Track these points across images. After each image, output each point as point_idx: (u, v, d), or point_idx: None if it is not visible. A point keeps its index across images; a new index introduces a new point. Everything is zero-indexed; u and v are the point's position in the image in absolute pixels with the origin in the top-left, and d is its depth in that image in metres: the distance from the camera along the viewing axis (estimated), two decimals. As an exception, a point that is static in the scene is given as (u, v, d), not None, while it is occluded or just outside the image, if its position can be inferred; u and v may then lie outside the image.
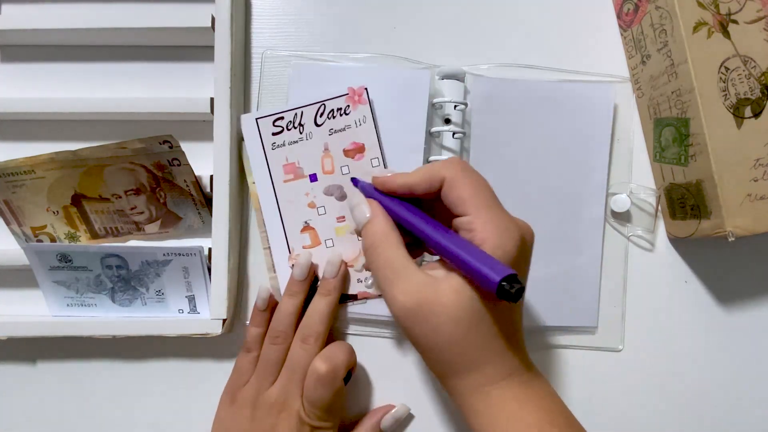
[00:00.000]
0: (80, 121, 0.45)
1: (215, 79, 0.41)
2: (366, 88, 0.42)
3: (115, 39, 0.45)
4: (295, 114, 0.42)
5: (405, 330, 0.32)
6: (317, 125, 0.42)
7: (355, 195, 0.38)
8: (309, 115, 0.42)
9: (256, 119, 0.43)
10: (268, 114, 0.42)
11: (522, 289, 0.28)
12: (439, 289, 0.30)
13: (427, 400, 0.44)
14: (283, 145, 0.42)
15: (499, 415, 0.31)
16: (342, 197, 0.43)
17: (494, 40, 0.46)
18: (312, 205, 0.43)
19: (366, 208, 0.35)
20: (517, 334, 0.33)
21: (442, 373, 0.32)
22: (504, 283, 0.27)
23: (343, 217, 0.43)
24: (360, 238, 0.37)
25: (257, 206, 0.43)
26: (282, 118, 0.42)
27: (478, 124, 0.44)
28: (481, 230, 0.31)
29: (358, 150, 0.42)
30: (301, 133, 0.42)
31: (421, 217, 0.33)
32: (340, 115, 0.42)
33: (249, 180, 0.43)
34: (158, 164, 0.42)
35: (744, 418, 0.45)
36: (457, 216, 0.33)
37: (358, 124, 0.42)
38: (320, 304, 0.41)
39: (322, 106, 0.42)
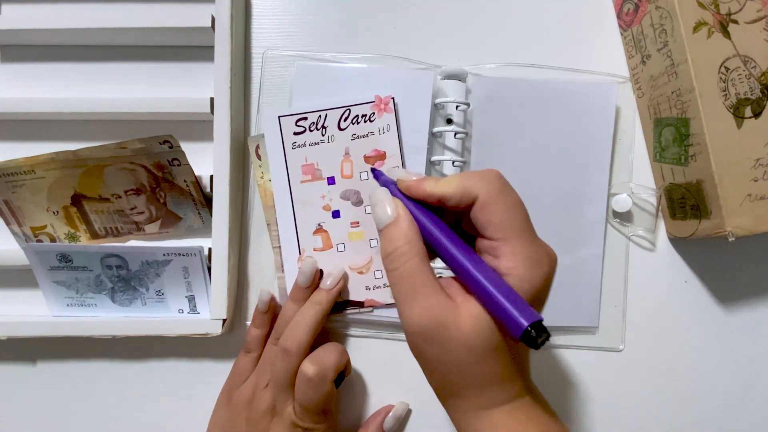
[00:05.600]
0: (80, 121, 0.45)
1: (215, 79, 0.41)
2: (393, 98, 0.42)
3: (115, 39, 0.45)
4: (319, 116, 0.42)
5: (414, 347, 0.30)
6: (340, 129, 0.42)
7: (379, 190, 0.33)
8: (333, 118, 0.42)
9: (279, 117, 0.42)
10: (291, 113, 0.42)
11: (548, 338, 0.27)
12: (458, 314, 0.29)
13: (427, 399, 0.44)
14: (304, 145, 0.42)
15: None
16: (358, 202, 0.43)
17: (494, 40, 0.46)
18: (327, 208, 0.43)
19: (390, 207, 0.31)
20: (525, 358, 0.32)
21: (445, 392, 0.31)
22: (530, 330, 0.26)
23: (358, 222, 0.43)
24: (376, 240, 0.35)
25: (268, 204, 0.43)
26: (305, 118, 0.42)
27: (479, 124, 0.44)
28: (508, 259, 0.29)
29: (379, 157, 0.42)
30: (323, 135, 0.42)
31: (446, 233, 0.31)
32: (365, 121, 0.42)
33: (257, 176, 0.43)
34: (158, 164, 0.42)
35: (744, 418, 0.45)
36: (483, 237, 0.30)
37: (381, 131, 0.42)
38: (308, 314, 0.40)
39: (347, 111, 0.42)
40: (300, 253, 0.43)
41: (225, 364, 0.44)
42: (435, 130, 0.43)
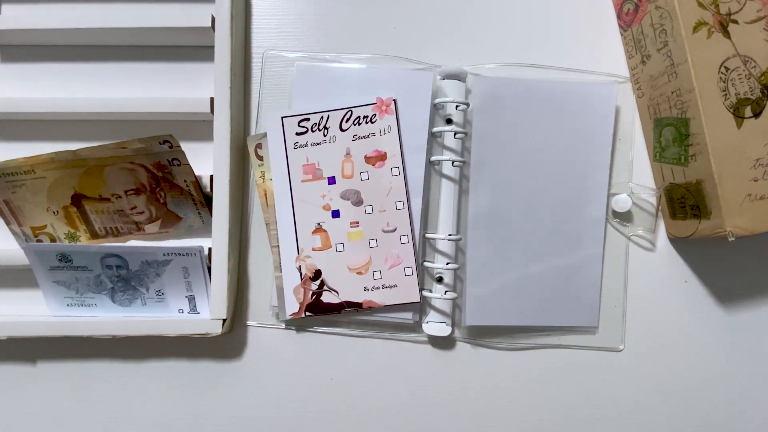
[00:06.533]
0: (80, 121, 0.45)
1: (215, 79, 0.41)
2: (395, 99, 0.43)
3: (115, 39, 0.45)
4: (322, 117, 0.43)
5: None
6: (342, 130, 0.43)
7: None
8: (335, 119, 0.43)
9: (282, 117, 0.43)
10: (294, 114, 0.43)
11: None
12: None
13: (427, 399, 0.44)
14: (306, 145, 0.43)
15: None
16: (358, 202, 0.43)
17: (494, 40, 0.46)
18: (327, 208, 0.43)
19: None
20: None
21: None
22: None
23: (357, 222, 0.43)
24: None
25: (267, 203, 0.43)
26: (308, 119, 0.43)
27: (479, 124, 0.44)
28: None
29: (379, 158, 0.43)
30: (325, 135, 0.43)
31: None
32: (366, 122, 0.43)
33: (257, 176, 0.43)
34: (158, 164, 0.42)
35: (744, 418, 0.45)
36: None
37: (382, 132, 0.43)
38: None
39: (349, 112, 0.43)
40: (298, 253, 0.43)
41: (225, 364, 0.44)
42: (435, 130, 0.43)
